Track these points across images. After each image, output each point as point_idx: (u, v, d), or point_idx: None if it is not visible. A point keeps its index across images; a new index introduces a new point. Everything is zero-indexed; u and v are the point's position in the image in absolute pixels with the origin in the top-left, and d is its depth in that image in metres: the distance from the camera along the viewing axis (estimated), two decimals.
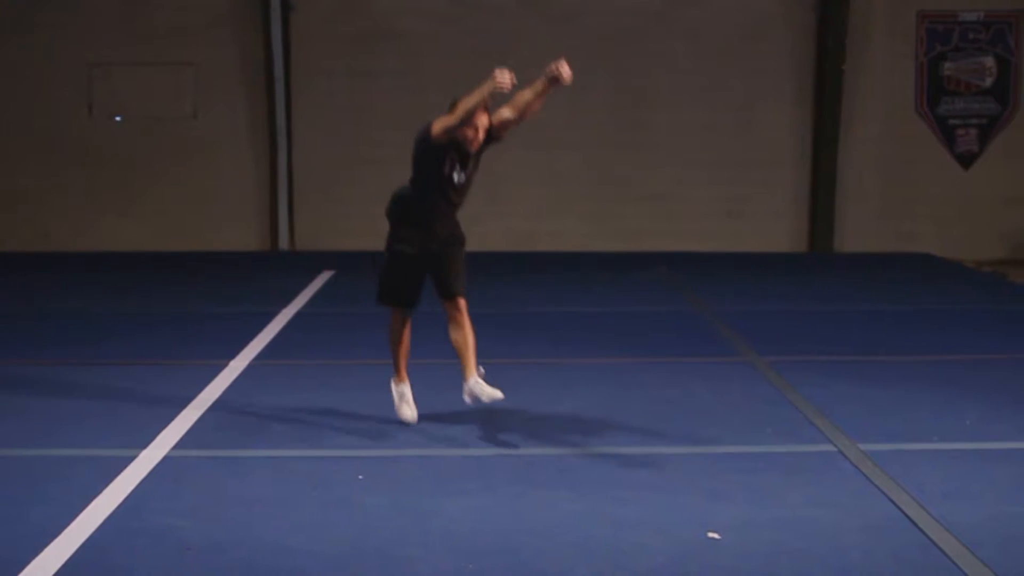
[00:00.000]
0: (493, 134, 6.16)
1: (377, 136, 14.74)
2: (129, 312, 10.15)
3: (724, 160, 14.87)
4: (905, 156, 14.92)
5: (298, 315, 9.90)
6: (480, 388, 6.00)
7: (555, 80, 5.91)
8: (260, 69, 14.52)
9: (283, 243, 14.70)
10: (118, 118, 14.75)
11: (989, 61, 14.82)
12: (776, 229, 15.03)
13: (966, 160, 14.95)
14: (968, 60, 14.82)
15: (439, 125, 5.98)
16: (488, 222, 14.83)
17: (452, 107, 6.01)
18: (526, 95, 6.07)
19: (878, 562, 4.62)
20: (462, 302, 6.22)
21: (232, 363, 7.97)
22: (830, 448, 6.12)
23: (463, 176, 6.17)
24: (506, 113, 6.13)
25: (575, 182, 14.91)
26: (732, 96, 14.78)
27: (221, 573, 4.49)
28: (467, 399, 6.08)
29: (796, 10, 14.74)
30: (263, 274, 12.61)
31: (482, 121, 6.04)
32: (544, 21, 14.69)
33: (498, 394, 5.97)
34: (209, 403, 6.93)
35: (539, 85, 6.02)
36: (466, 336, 6.15)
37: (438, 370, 7.71)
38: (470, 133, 6.02)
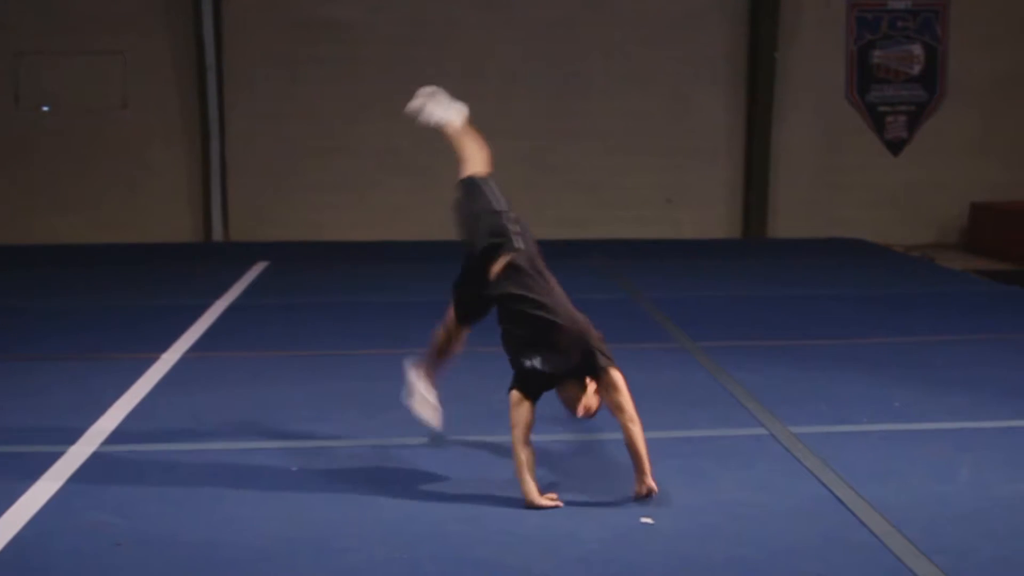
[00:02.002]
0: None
1: (312, 125, 14.63)
2: (58, 306, 9.97)
3: (659, 147, 14.96)
4: (836, 142, 15.12)
5: (231, 307, 9.79)
6: (416, 388, 5.75)
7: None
8: (192, 58, 14.32)
9: (216, 234, 14.53)
10: (46, 108, 14.48)
11: (917, 49, 15.05)
12: (711, 215, 15.16)
13: (895, 146, 15.18)
14: (896, 48, 15.03)
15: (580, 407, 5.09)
16: (424, 211, 14.80)
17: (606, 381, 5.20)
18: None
19: (809, 543, 4.68)
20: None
21: (164, 356, 7.86)
22: (762, 431, 6.18)
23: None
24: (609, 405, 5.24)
25: (510, 170, 14.74)
26: (666, 83, 14.87)
27: (154, 568, 4.44)
28: (405, 364, 5.88)
29: None
30: (196, 266, 12.46)
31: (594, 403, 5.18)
32: (479, 9, 14.66)
33: (430, 417, 5.69)
34: (139, 397, 6.83)
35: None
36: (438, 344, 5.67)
37: (373, 360, 7.70)
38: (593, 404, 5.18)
